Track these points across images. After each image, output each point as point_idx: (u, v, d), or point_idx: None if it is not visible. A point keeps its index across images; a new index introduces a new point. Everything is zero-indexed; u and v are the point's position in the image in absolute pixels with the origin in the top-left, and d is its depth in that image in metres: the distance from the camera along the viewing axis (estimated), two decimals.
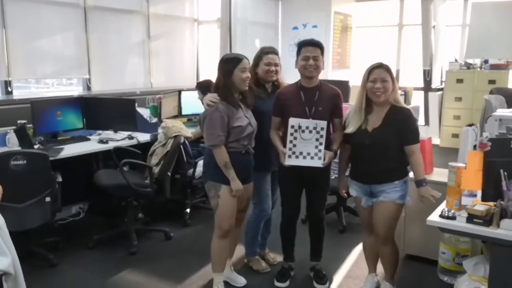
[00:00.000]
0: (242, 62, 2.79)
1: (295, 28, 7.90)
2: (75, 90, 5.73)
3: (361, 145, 2.76)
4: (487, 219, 2.12)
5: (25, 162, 3.08)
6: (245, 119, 2.82)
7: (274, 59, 3.09)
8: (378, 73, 2.67)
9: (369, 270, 3.11)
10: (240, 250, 3.45)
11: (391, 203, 2.73)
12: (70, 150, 3.81)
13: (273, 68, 3.07)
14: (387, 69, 2.70)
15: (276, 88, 3.14)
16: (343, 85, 5.13)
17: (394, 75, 2.76)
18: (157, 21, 6.32)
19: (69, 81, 6.05)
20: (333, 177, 3.52)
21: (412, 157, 2.70)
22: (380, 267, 3.21)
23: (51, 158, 3.35)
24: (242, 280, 3.16)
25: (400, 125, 2.69)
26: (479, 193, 2.27)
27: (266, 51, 3.11)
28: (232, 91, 2.79)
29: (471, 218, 2.16)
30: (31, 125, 3.93)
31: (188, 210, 4.37)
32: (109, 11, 5.62)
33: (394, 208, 2.75)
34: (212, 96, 2.79)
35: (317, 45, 2.90)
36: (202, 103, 2.87)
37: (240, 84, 2.79)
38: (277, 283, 3.15)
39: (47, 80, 5.93)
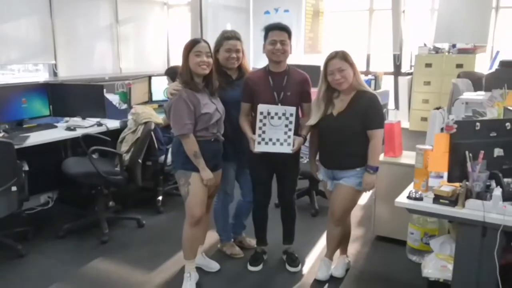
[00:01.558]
0: (197, 46, 2.67)
1: (267, 12, 7.86)
2: (42, 76, 5.58)
3: (326, 129, 2.79)
4: (453, 200, 2.18)
5: None
6: (212, 105, 2.75)
7: (235, 45, 2.94)
8: (334, 64, 2.68)
9: (341, 252, 3.16)
10: (213, 236, 3.45)
11: (350, 188, 2.78)
12: (37, 138, 3.70)
13: (234, 55, 2.93)
14: (343, 56, 2.69)
15: (241, 74, 3.05)
16: (315, 70, 5.12)
17: (353, 59, 2.72)
18: (125, 5, 6.17)
19: (35, 67, 5.87)
20: (305, 161, 3.56)
21: (371, 141, 2.72)
22: (350, 248, 3.28)
23: (16, 147, 3.25)
24: (215, 265, 3.17)
25: (364, 110, 2.70)
26: (445, 175, 2.31)
27: (227, 37, 2.95)
28: (192, 76, 2.71)
29: (437, 199, 2.21)
30: None
31: (160, 198, 4.33)
32: None
33: (352, 193, 2.80)
34: (174, 85, 2.72)
35: (284, 29, 2.86)
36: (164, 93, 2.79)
37: (196, 69, 2.68)
38: (250, 267, 3.17)
39: (12, 66, 5.74)
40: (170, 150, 3.97)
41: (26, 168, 3.33)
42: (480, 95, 4.54)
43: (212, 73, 2.77)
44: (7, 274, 3.10)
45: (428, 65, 7.28)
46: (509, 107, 3.09)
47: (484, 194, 2.14)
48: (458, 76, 6.07)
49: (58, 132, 3.98)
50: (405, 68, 7.92)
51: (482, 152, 2.16)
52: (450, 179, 2.24)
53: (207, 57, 2.70)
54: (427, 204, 2.24)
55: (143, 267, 3.22)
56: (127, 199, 4.37)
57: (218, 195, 3.21)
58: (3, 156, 3.10)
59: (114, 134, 3.99)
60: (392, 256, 3.36)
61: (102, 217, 3.75)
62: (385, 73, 7.33)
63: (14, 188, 3.17)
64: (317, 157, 2.99)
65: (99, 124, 4.16)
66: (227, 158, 3.03)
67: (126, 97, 4.92)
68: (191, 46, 2.69)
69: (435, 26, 7.36)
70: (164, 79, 4.60)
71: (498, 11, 7.26)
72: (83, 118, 4.24)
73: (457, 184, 2.23)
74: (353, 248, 3.42)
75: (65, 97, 4.31)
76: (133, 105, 4.48)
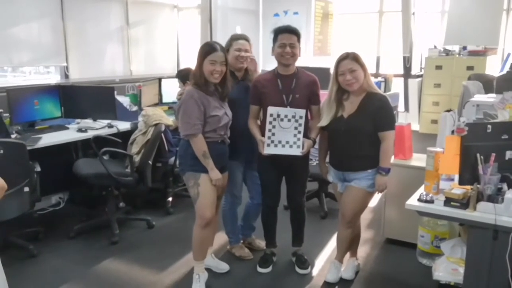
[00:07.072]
0: (213, 54, 2.67)
1: (276, 15, 7.88)
2: (53, 78, 5.63)
3: (337, 132, 2.78)
4: (464, 202, 2.17)
5: (2, 151, 3.00)
6: (221, 108, 2.77)
7: (244, 45, 3.00)
8: (345, 65, 2.68)
9: (350, 254, 3.15)
10: (222, 238, 3.46)
11: (361, 190, 2.78)
12: (48, 139, 3.74)
13: (243, 53, 2.98)
14: (354, 57, 2.69)
15: (246, 75, 3.08)
16: (324, 72, 5.12)
17: (364, 61, 2.72)
18: (136, 8, 6.23)
19: (46, 70, 5.93)
20: (314, 163, 3.55)
21: (382, 143, 2.72)
22: (360, 251, 3.27)
23: (28, 148, 3.29)
24: (225, 266, 3.18)
25: (375, 112, 2.70)
26: (456, 177, 2.30)
27: (236, 37, 3.02)
28: (205, 80, 2.71)
29: (448, 202, 2.20)
30: (7, 114, 3.85)
31: (170, 199, 4.36)
32: None
33: (363, 195, 2.80)
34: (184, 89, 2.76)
35: (293, 32, 2.86)
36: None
37: (208, 76, 2.69)
38: (259, 269, 3.18)
39: (24, 68, 5.81)
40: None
41: (38, 169, 3.38)
42: (491, 97, 4.50)
43: (225, 79, 2.78)
44: (18, 274, 3.13)
45: (439, 67, 7.24)
46: None
47: (495, 197, 2.12)
48: (469, 78, 6.03)
49: (70, 134, 4.02)
50: (415, 70, 7.88)
51: (493, 154, 2.15)
52: (461, 182, 2.24)
53: (221, 65, 2.71)
54: (438, 207, 2.23)
55: (152, 268, 3.24)
56: (137, 200, 4.40)
57: (225, 197, 3.22)
58: (16, 157, 3.13)
59: (125, 136, 4.03)
60: (402, 259, 3.34)
61: (112, 218, 3.77)
62: (395, 75, 7.30)
63: (26, 189, 3.20)
64: (327, 159, 2.99)
65: (110, 126, 4.20)
66: (233, 159, 3.03)
67: (136, 99, 4.95)
68: (208, 53, 2.68)
69: (445, 28, 7.32)
70: (174, 81, 4.64)
71: (509, 13, 7.21)
72: (94, 119, 4.29)
73: (468, 186, 2.22)
74: (362, 250, 3.41)
75: (77, 99, 4.35)
76: (143, 107, 4.51)
